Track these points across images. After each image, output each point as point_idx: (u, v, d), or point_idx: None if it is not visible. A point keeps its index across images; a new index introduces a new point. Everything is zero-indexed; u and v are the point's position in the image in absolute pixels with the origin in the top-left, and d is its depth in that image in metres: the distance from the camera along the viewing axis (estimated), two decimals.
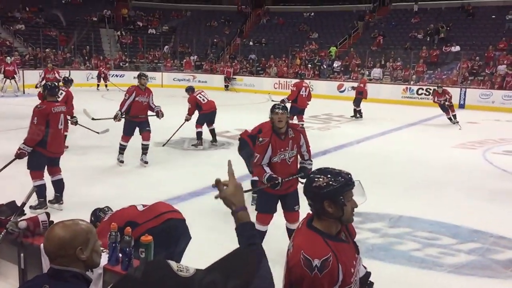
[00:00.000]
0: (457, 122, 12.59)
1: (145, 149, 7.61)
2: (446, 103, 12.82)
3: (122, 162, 7.53)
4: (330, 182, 1.89)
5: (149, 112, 7.69)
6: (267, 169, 3.98)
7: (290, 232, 4.16)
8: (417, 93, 18.96)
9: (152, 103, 7.68)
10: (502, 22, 21.85)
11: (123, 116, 7.38)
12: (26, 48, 23.45)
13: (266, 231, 4.12)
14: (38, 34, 23.88)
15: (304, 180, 2.04)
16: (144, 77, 7.74)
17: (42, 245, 2.48)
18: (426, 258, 4.34)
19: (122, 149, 7.56)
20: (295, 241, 1.93)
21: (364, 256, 4.18)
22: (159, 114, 7.76)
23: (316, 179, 1.93)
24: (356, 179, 1.97)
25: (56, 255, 1.65)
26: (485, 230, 4.99)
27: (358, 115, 13.90)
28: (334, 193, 1.88)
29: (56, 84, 5.84)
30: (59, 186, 5.36)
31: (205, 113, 9.19)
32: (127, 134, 7.54)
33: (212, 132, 9.43)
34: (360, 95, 14.09)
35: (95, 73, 21.63)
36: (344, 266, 1.84)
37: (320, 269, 1.78)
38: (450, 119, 12.86)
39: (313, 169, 3.98)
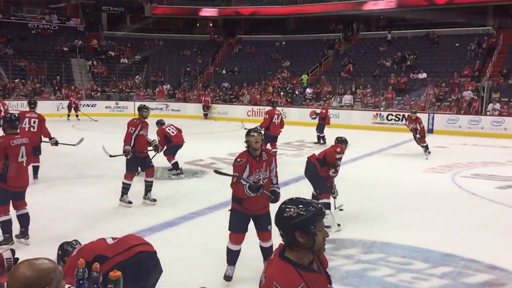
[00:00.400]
0: (429, 153, 11.62)
1: (149, 186, 7.10)
2: (416, 134, 11.70)
3: (130, 202, 6.87)
4: (301, 212, 1.89)
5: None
6: (244, 181, 4.18)
7: (263, 250, 4.44)
8: (387, 118, 19.37)
9: (148, 137, 7.31)
10: (465, 50, 22.75)
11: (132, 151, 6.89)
12: None
13: (239, 251, 4.34)
14: (7, 64, 23.57)
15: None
16: (145, 109, 7.34)
17: (6, 284, 2.39)
18: (400, 283, 4.36)
19: (126, 188, 6.90)
20: (267, 272, 1.92)
21: (338, 284, 4.22)
22: (158, 149, 7.57)
23: (287, 210, 1.93)
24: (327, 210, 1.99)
25: None
26: (456, 253, 5.06)
27: (322, 141, 14.10)
28: (305, 224, 1.88)
29: (16, 116, 5.54)
30: (24, 220, 5.18)
31: (174, 145, 9.21)
32: (132, 171, 7.01)
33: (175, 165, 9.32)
34: (323, 121, 14.41)
35: (65, 103, 21.35)
36: None
37: None
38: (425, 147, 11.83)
39: (282, 196, 4.23)
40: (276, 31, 30.35)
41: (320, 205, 1.97)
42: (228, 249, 4.35)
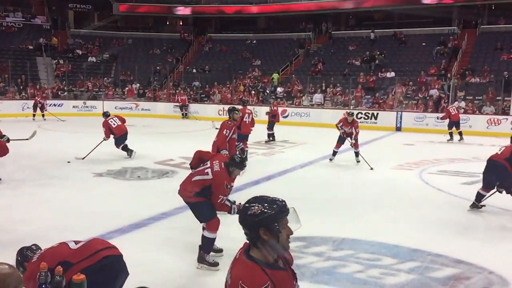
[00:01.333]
0: (358, 161, 10.57)
1: None
2: (351, 138, 10.52)
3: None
4: (265, 210, 1.90)
5: None
6: (228, 203, 4.57)
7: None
8: (356, 117, 19.61)
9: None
10: (432, 49, 23.30)
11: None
12: None
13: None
14: None
15: None
16: (236, 111, 7.45)
17: None
18: (369, 279, 4.42)
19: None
20: (233, 272, 1.92)
21: (309, 281, 4.25)
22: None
23: (251, 207, 1.93)
24: (291, 206, 1.99)
25: None
26: (423, 249, 5.16)
27: (271, 138, 14.25)
28: (268, 221, 1.89)
29: None
30: None
31: (117, 137, 10.44)
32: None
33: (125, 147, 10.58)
34: (273, 118, 14.56)
35: (31, 102, 20.75)
36: None
37: None
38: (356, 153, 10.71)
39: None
40: (246, 30, 30.35)
41: (284, 202, 1.97)
42: (208, 238, 4.55)
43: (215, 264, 4.54)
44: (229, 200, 4.58)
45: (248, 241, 1.99)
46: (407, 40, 24.77)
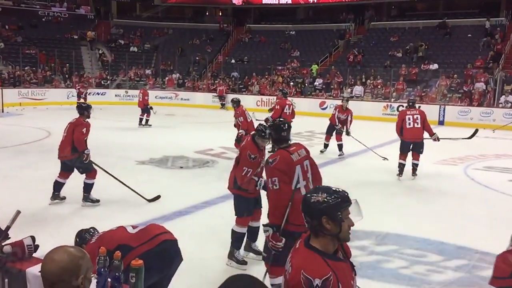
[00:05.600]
0: (340, 155, 10.45)
1: None
2: (345, 128, 10.40)
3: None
4: (329, 198, 1.92)
5: None
6: (255, 178, 4.45)
7: (250, 229, 4.65)
8: (397, 110, 19.21)
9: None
10: (478, 41, 22.46)
11: None
12: (6, 67, 23.12)
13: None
14: (18, 52, 23.63)
15: None
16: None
17: (28, 270, 2.40)
18: (414, 275, 4.34)
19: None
20: (293, 261, 1.93)
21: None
22: None
23: (314, 196, 1.96)
24: (353, 198, 1.99)
25: (58, 280, 1.61)
26: (470, 246, 5.02)
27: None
28: (332, 209, 1.90)
29: None
30: None
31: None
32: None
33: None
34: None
35: (75, 91, 21.39)
36: (343, 286, 1.85)
37: None
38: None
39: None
40: (285, 21, 30.14)
41: (346, 193, 1.98)
42: (236, 233, 4.53)
43: (244, 263, 4.48)
44: (256, 177, 4.43)
45: (309, 230, 2.00)
46: (452, 31, 23.94)
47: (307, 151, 3.69)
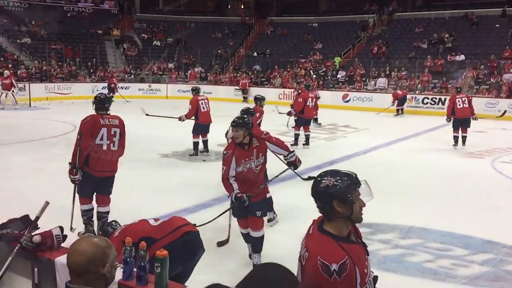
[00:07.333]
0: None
1: None
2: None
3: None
4: (337, 182, 1.93)
5: None
6: (235, 186, 4.10)
7: (251, 240, 4.30)
8: (422, 102, 18.95)
9: None
10: (506, 31, 21.87)
11: None
12: (32, 62, 23.62)
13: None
14: (44, 47, 24.08)
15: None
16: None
17: (57, 259, 2.46)
18: (439, 269, 4.29)
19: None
20: (308, 246, 1.94)
21: (376, 268, 4.17)
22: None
23: (324, 180, 1.96)
24: (362, 179, 1.99)
25: (85, 271, 1.65)
26: (497, 240, 4.93)
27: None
28: (342, 192, 1.91)
29: None
30: None
31: (200, 123, 9.14)
32: None
33: (205, 142, 9.39)
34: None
35: (100, 85, 21.75)
36: (359, 268, 1.86)
37: (338, 273, 1.80)
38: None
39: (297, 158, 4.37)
40: (308, 13, 29.89)
41: (355, 175, 1.98)
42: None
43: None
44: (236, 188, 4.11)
45: (321, 214, 2.00)
46: (479, 22, 23.36)
47: None
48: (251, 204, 4.14)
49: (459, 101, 10.54)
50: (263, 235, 4.25)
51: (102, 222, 3.86)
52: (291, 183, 6.29)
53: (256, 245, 4.25)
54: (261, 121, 8.13)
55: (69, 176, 4.66)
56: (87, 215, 4.86)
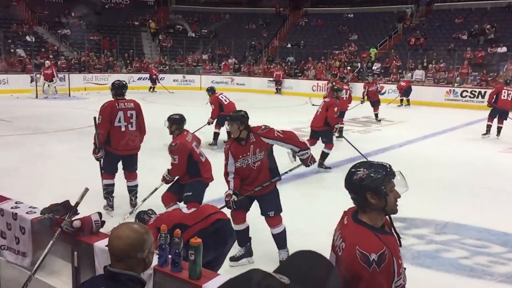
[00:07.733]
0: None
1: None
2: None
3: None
4: (371, 174, 1.91)
5: None
6: (231, 185, 4.01)
7: (274, 237, 4.14)
8: (461, 95, 18.43)
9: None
10: None
11: None
12: (72, 53, 24.25)
13: (243, 230, 4.13)
14: (83, 39, 24.66)
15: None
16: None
17: (95, 244, 2.55)
18: (475, 266, 4.19)
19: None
20: (345, 236, 1.93)
21: (410, 263, 4.13)
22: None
23: (357, 172, 1.95)
24: (396, 169, 1.96)
25: (126, 256, 1.70)
26: None
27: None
28: (375, 184, 1.89)
29: None
30: None
31: (226, 114, 8.98)
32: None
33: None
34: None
35: (136, 76, 22.14)
36: (396, 259, 1.85)
37: (378, 263, 1.79)
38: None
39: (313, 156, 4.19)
40: (343, 3, 29.43)
41: (389, 166, 1.96)
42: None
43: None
44: (232, 189, 4.00)
45: (355, 205, 2.00)
46: None
47: None
48: (261, 205, 4.09)
49: (504, 92, 10.80)
50: (283, 230, 4.10)
51: (139, 211, 3.90)
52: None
53: (279, 241, 4.11)
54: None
55: (92, 155, 5.23)
56: (107, 190, 5.31)
